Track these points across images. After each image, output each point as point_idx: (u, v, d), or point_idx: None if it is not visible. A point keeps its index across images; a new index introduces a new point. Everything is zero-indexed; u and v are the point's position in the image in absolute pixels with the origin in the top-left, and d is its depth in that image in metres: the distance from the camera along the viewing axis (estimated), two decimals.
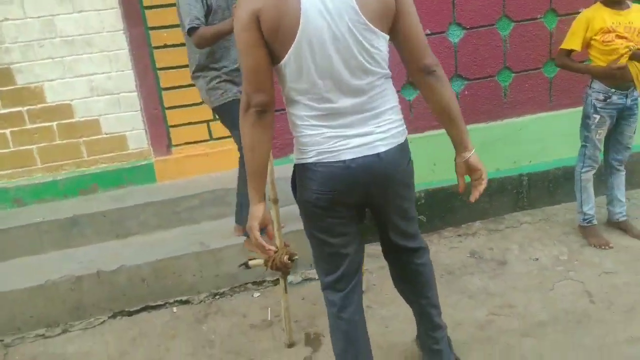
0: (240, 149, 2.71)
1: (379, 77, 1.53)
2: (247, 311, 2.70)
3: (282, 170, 2.96)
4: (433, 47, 3.20)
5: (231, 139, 3.27)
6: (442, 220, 3.40)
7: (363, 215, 1.80)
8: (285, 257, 2.23)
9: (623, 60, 2.72)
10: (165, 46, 3.10)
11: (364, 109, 1.53)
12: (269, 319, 2.62)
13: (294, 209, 1.82)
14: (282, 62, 1.46)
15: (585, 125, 2.98)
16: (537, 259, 2.88)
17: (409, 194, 1.75)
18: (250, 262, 2.39)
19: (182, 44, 3.09)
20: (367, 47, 1.46)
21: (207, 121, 3.26)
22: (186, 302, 2.80)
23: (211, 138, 3.30)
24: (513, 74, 3.51)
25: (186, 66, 3.11)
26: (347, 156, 1.54)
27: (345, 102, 1.50)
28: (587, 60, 3.02)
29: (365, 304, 2.62)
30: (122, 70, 3.11)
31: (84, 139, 3.15)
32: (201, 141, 3.29)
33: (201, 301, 2.80)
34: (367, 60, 1.48)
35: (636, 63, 2.70)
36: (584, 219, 3.05)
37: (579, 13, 2.97)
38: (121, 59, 3.09)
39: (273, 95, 1.53)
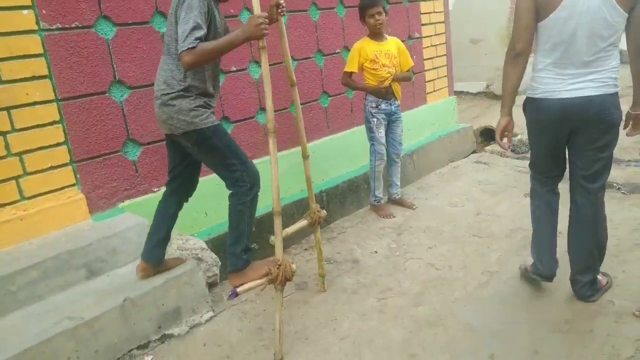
0: None
1: (608, 45, 2.24)
2: None
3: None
4: (237, 83, 3.43)
5: (51, 195, 2.77)
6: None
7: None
8: (293, 266, 2.33)
9: (387, 82, 3.79)
10: None
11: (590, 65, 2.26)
12: None
13: None
14: (543, 22, 2.29)
15: (369, 129, 3.92)
16: (377, 251, 3.40)
17: (608, 141, 2.37)
18: (239, 289, 2.26)
19: None
20: (608, 21, 2.18)
21: (16, 177, 2.64)
22: None
23: (23, 198, 2.67)
24: (300, 106, 4.02)
25: None
26: (569, 94, 2.31)
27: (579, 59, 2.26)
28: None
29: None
30: None
31: None
32: (10, 203, 2.63)
33: None
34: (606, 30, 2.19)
35: (394, 83, 3.83)
36: (375, 200, 4.02)
37: (337, 53, 4.01)
38: None
39: (528, 45, 2.34)
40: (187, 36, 2.13)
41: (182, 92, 2.32)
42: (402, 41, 4.81)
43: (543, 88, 2.36)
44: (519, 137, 5.75)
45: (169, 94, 2.33)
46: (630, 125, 2.44)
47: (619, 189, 3.98)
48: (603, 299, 2.59)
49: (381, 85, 3.79)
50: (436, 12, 5.35)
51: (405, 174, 4.59)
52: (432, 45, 5.34)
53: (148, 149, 3.12)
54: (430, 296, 2.81)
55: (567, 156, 2.55)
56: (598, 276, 2.62)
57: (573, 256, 2.61)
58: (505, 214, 3.77)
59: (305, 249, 3.52)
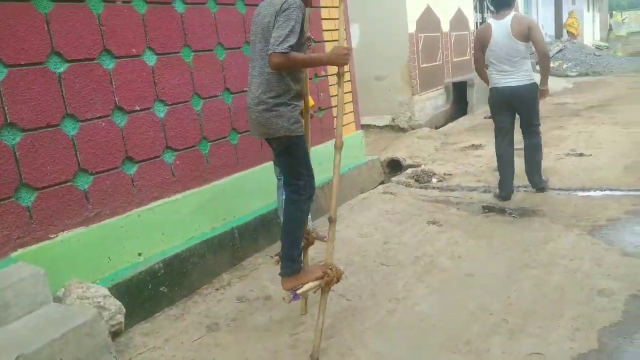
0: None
1: (520, 57, 4.43)
2: None
3: None
4: (142, 122, 3.36)
5: None
6: (182, 285, 3.49)
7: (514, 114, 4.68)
8: (340, 268, 2.73)
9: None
10: None
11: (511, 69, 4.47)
12: None
13: None
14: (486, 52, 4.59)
15: (277, 163, 3.83)
16: None
17: (531, 107, 4.55)
18: (300, 291, 2.58)
19: None
20: (514, 47, 4.41)
21: None
22: None
23: None
24: (210, 143, 4.02)
25: None
26: (502, 85, 4.52)
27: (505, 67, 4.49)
28: None
29: None
30: None
31: None
32: None
33: None
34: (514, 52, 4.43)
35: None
36: None
37: (245, 91, 3.86)
38: None
39: (481, 63, 4.75)
40: (282, 40, 2.39)
41: (286, 100, 2.57)
42: (309, 79, 5.01)
43: (493, 82, 4.60)
44: (422, 167, 6.08)
45: (273, 98, 2.55)
46: (540, 95, 4.57)
47: (510, 213, 4.32)
48: (498, 318, 2.78)
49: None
50: None
51: (317, 206, 4.68)
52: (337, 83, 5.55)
53: (44, 194, 2.96)
54: (341, 327, 2.86)
55: (514, 117, 4.69)
56: (542, 177, 4.81)
57: (527, 166, 4.76)
58: (410, 241, 3.96)
59: (217, 289, 3.47)
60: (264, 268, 3.74)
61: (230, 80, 4.17)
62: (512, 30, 4.36)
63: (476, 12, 12.19)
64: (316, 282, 2.61)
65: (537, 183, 4.78)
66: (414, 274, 3.41)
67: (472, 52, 5.03)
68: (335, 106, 5.56)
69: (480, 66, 4.77)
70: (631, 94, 10.40)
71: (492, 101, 4.70)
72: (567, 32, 18.83)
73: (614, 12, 30.96)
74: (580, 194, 4.71)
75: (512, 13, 4.47)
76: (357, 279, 3.43)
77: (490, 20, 4.61)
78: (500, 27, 4.44)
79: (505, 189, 4.71)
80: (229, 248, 3.90)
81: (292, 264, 2.68)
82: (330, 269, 2.64)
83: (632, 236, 3.64)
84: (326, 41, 5.32)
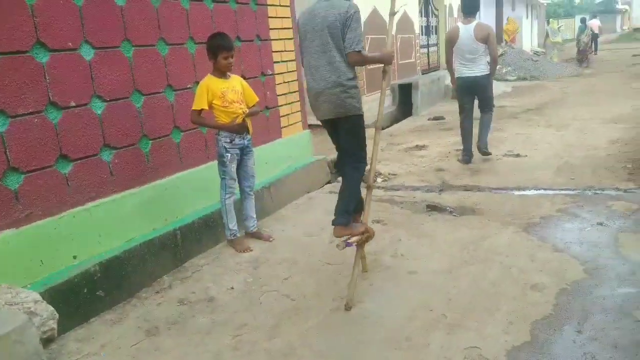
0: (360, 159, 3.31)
1: (479, 54, 5.85)
2: None
3: None
4: (78, 119, 3.24)
5: None
6: (120, 288, 3.37)
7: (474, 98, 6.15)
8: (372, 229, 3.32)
9: (239, 119, 3.88)
10: None
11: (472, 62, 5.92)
12: None
13: None
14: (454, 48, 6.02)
15: (221, 163, 3.94)
16: (233, 287, 3.38)
17: (486, 92, 6.01)
18: (351, 240, 3.10)
19: None
20: (475, 47, 5.82)
21: None
22: None
23: None
24: (151, 141, 3.90)
25: None
26: (465, 75, 5.97)
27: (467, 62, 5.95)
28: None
29: None
30: None
31: None
32: None
33: None
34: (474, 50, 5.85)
35: (247, 118, 3.94)
36: (231, 234, 4.01)
37: (189, 88, 4.08)
38: None
39: (450, 59, 6.26)
40: (357, 41, 3.04)
41: (355, 84, 3.12)
42: (255, 78, 4.97)
43: (458, 72, 5.94)
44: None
45: (348, 83, 3.09)
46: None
47: (451, 212, 4.45)
48: (438, 314, 2.85)
49: (234, 121, 3.85)
50: (287, 51, 5.58)
51: (263, 206, 4.65)
52: (285, 82, 5.54)
53: None
54: (285, 327, 2.85)
55: (473, 100, 6.07)
56: (487, 146, 6.09)
57: (480, 133, 6.06)
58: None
59: (157, 292, 3.37)
60: (206, 269, 3.67)
61: (173, 77, 4.07)
62: (474, 34, 5.73)
63: (421, 16, 12.48)
64: (359, 237, 3.16)
65: (483, 147, 6.04)
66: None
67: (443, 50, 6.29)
68: (282, 105, 5.56)
69: (451, 66, 6.20)
70: (565, 98, 10.95)
71: (457, 87, 6.08)
72: (503, 37, 19.75)
73: (550, 20, 32.46)
74: (516, 193, 4.91)
75: (476, 21, 5.84)
76: (302, 278, 3.43)
77: (459, 23, 5.99)
78: (466, 30, 5.80)
79: (467, 154, 6.09)
80: (171, 249, 3.80)
81: (347, 216, 3.17)
82: (368, 229, 3.25)
83: (562, 233, 3.83)
84: (273, 40, 5.30)
